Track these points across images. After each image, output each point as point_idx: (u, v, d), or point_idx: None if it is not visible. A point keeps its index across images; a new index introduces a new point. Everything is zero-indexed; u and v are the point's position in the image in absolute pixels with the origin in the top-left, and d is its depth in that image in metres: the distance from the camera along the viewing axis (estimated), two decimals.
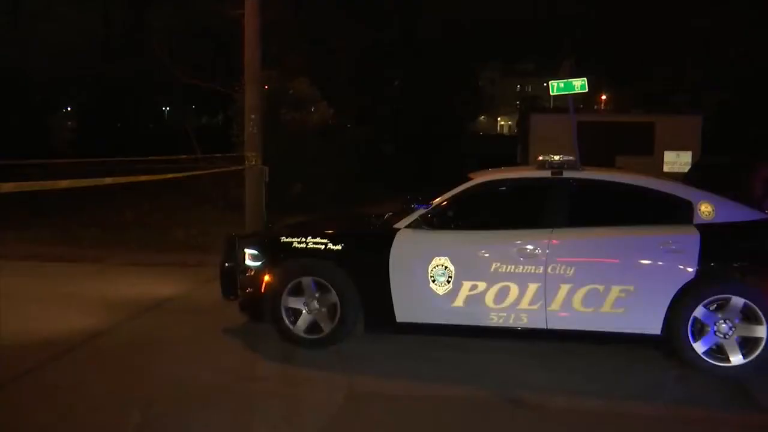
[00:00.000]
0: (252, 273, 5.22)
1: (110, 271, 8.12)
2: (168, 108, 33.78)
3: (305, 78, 13.03)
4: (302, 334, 5.04)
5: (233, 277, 5.36)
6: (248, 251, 5.28)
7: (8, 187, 5.27)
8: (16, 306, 6.36)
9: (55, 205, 12.06)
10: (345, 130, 15.08)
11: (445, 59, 23.89)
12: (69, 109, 32.13)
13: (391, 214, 5.56)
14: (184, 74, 15.32)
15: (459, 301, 4.81)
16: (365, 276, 4.94)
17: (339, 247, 4.98)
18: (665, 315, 4.57)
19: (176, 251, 9.04)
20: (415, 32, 22.34)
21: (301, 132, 12.20)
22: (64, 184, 6.22)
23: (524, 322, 4.77)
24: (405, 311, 4.91)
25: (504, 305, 4.75)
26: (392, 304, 4.88)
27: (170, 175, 8.90)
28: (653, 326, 4.62)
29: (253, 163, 9.04)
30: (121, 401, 4.18)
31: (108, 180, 6.62)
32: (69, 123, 29.72)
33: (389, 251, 4.86)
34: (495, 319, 4.79)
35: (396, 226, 5.01)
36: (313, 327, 5.04)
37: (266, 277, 5.09)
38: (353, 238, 5.17)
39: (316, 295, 5.01)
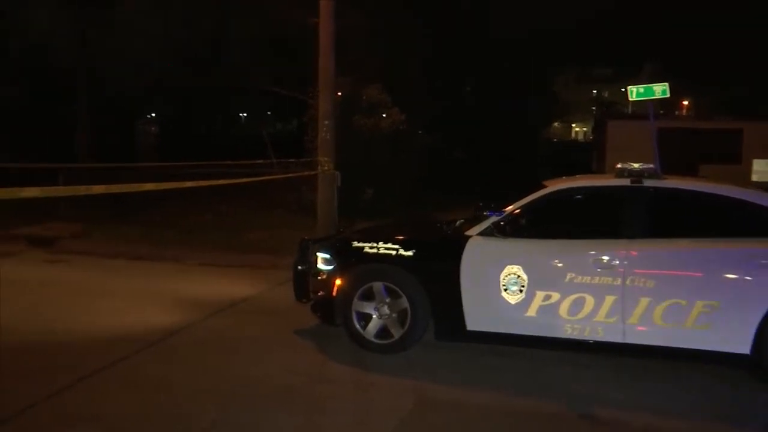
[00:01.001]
0: (324, 276, 5.31)
1: (189, 271, 8.45)
2: (245, 114, 34.89)
3: (378, 84, 13.14)
4: (372, 339, 5.07)
5: (305, 280, 5.48)
6: (320, 255, 5.38)
7: (99, 189, 5.60)
8: (102, 301, 6.76)
9: (140, 206, 12.67)
10: (416, 136, 15.11)
11: (519, 64, 23.52)
12: (153, 115, 33.75)
13: (462, 221, 5.53)
14: (261, 82, 15.78)
15: (532, 311, 4.71)
16: (436, 283, 4.92)
17: (410, 253, 4.98)
18: (755, 334, 4.31)
19: (251, 253, 9.31)
20: (488, 37, 22.10)
21: (373, 138, 12.30)
22: (149, 186, 6.54)
23: (600, 335, 4.61)
24: (476, 320, 4.85)
25: (579, 317, 4.62)
26: (463, 312, 4.84)
27: (246, 180, 9.18)
28: (741, 345, 4.36)
29: (326, 168, 9.19)
30: (198, 396, 4.33)
31: (188, 183, 6.90)
32: (153, 128, 31.19)
33: (461, 258, 4.82)
34: (569, 331, 4.66)
35: (468, 233, 4.97)
36: (383, 332, 5.06)
37: (338, 281, 5.16)
38: (424, 245, 5.17)
39: (387, 300, 5.03)
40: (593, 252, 4.63)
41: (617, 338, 4.58)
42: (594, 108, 50.90)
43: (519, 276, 4.71)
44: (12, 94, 18.14)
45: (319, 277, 5.36)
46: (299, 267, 5.53)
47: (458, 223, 5.52)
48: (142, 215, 12.12)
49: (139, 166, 14.07)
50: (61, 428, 3.86)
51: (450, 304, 4.85)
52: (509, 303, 4.74)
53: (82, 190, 5.54)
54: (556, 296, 4.65)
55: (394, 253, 5.01)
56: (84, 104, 18.18)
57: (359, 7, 13.33)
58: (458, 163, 21.41)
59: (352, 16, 12.29)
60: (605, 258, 4.57)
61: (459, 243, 4.90)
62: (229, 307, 6.62)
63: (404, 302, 4.97)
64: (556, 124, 47.92)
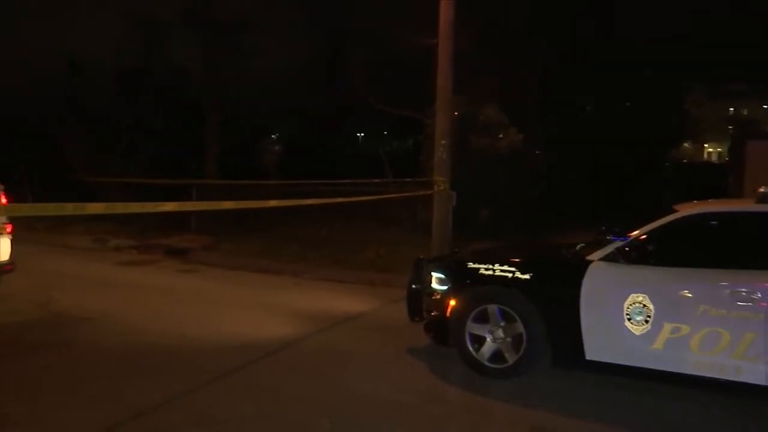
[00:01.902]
0: (438, 296, 5.29)
1: (305, 285, 8.76)
2: (362, 134, 35.83)
3: (495, 104, 13.02)
4: (485, 362, 4.98)
5: (419, 299, 5.49)
6: (435, 275, 5.37)
7: (228, 204, 5.98)
8: (224, 311, 7.17)
9: (263, 221, 13.33)
10: (533, 156, 14.77)
11: (645, 78, 22.34)
12: (275, 136, 35.48)
13: (583, 244, 5.31)
14: (377, 102, 16.15)
15: (658, 344, 4.41)
16: (554, 308, 4.75)
17: (527, 276, 4.85)
18: None
19: (365, 270, 9.48)
20: (611, 51, 21.21)
21: (489, 158, 12.18)
22: (272, 203, 6.87)
23: (738, 374, 4.22)
24: (596, 349, 4.62)
25: (712, 353, 4.26)
26: (582, 341, 4.63)
27: (363, 198, 9.40)
28: None
29: (442, 187, 9.21)
30: (311, 407, 4.45)
31: (308, 201, 7.20)
32: (276, 148, 32.76)
33: (581, 284, 4.62)
34: (700, 368, 4.31)
35: (589, 257, 4.76)
36: (497, 356, 4.95)
37: (452, 302, 5.12)
38: (543, 268, 5.01)
39: (502, 324, 4.93)
40: (730, 283, 4.26)
41: (759, 380, 4.17)
42: (731, 127, 47.22)
43: (645, 305, 4.43)
44: (153, 117, 19.81)
45: (433, 297, 5.35)
46: (413, 286, 5.55)
47: (578, 246, 5.31)
48: (264, 230, 12.74)
49: (262, 183, 14.83)
50: (188, 428, 4.11)
51: (568, 331, 4.66)
52: (633, 334, 4.47)
53: (213, 205, 5.96)
54: (686, 329, 4.33)
55: (510, 275, 4.91)
56: (213, 125, 19.51)
57: (476, 26, 13.32)
58: (576, 183, 20.62)
59: (469, 36, 12.30)
60: (744, 290, 4.19)
61: (580, 268, 4.71)
62: (343, 322, 6.78)
63: (519, 327, 4.84)
64: (686, 144, 44.97)
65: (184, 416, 4.26)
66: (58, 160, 16.56)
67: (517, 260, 5.03)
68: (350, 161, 26.67)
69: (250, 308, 7.27)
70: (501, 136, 12.81)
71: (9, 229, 7.55)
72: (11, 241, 7.57)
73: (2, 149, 14.51)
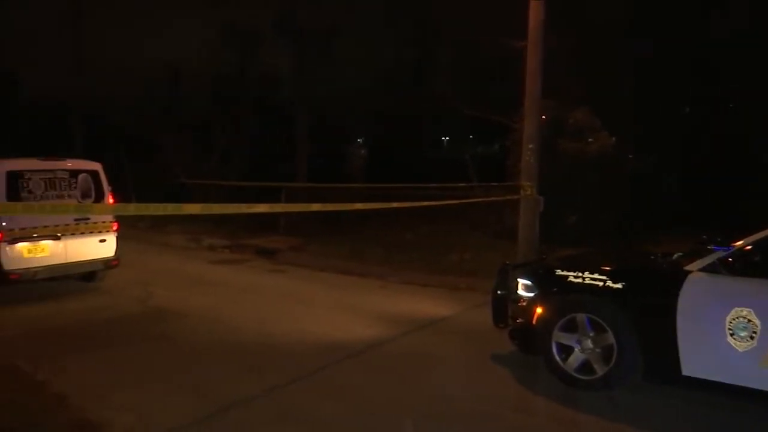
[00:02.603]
0: (524, 303, 5.18)
1: (390, 288, 8.81)
2: (447, 138, 35.71)
3: (585, 107, 12.60)
4: (573, 373, 4.81)
5: (504, 306, 5.39)
6: (521, 281, 5.26)
7: (316, 207, 6.12)
8: (310, 311, 7.34)
9: (348, 224, 13.56)
10: (625, 160, 14.16)
11: (752, 77, 20.86)
12: (361, 140, 36.03)
13: (680, 254, 5.03)
14: (464, 105, 16.03)
15: (765, 363, 4.10)
16: (648, 320, 4.53)
17: (619, 285, 4.65)
18: None
19: (449, 274, 9.44)
20: (712, 43, 19.97)
21: (579, 162, 11.79)
22: (359, 206, 6.97)
23: None
24: (693, 365, 4.36)
25: None
26: (678, 355, 4.37)
27: (449, 202, 9.35)
28: None
29: (529, 192, 9.03)
30: (394, 410, 4.47)
31: (394, 204, 7.23)
32: (362, 152, 33.25)
33: (678, 295, 4.37)
34: None
35: (688, 268, 4.50)
36: (585, 367, 4.77)
37: (538, 309, 5.00)
38: (637, 277, 4.79)
39: (591, 334, 4.75)
40: None
41: None
42: None
43: (749, 320, 4.14)
44: (247, 122, 20.64)
45: (518, 304, 5.24)
46: (498, 292, 5.46)
47: (675, 256, 5.03)
48: (350, 232, 12.96)
49: (348, 186, 15.10)
50: (272, 424, 4.23)
51: (663, 345, 4.42)
52: (736, 350, 4.18)
53: (301, 207, 6.13)
54: None
55: (601, 284, 4.72)
56: (302, 130, 20.06)
57: (568, 26, 12.95)
58: (673, 189, 19.57)
59: (559, 39, 11.98)
60: None
61: (677, 278, 4.45)
62: (427, 326, 6.77)
63: (610, 337, 4.64)
64: None
65: (271, 412, 4.39)
66: (159, 163, 17.57)
67: (608, 268, 4.83)
68: (435, 165, 26.63)
69: (336, 309, 7.40)
70: (591, 140, 12.37)
71: (115, 227, 8.11)
72: (117, 238, 8.13)
73: (109, 153, 15.52)
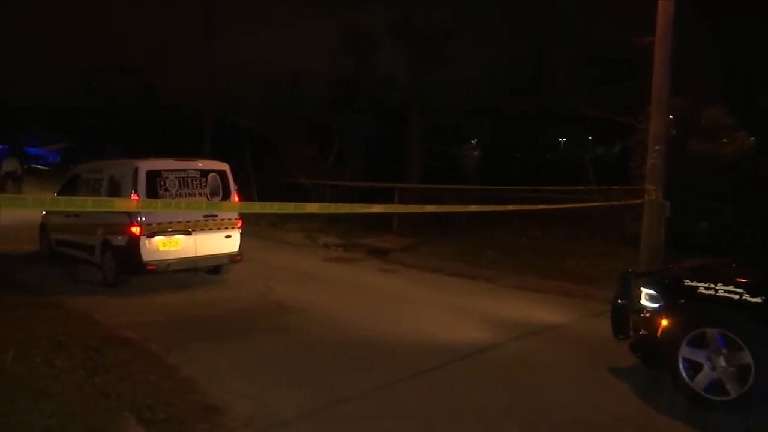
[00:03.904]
0: (647, 314, 4.88)
1: (500, 292, 8.65)
2: (564, 139, 34.58)
3: (720, 105, 11.67)
4: (701, 392, 4.47)
5: (625, 316, 5.12)
6: (645, 290, 4.96)
7: (430, 208, 6.14)
8: (420, 311, 7.37)
9: (459, 226, 13.48)
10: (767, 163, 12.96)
11: None
12: (474, 141, 35.72)
13: None
14: (583, 106, 15.43)
15: None
16: None
17: (759, 299, 4.26)
18: None
19: (564, 280, 9.10)
20: None
21: (712, 165, 10.95)
22: (473, 208, 6.91)
23: None
24: None
25: None
26: None
27: (566, 205, 9.04)
28: None
29: (654, 196, 8.51)
30: (502, 415, 4.39)
31: (510, 207, 7.10)
32: (476, 153, 32.97)
33: None
34: None
35: None
36: (716, 386, 4.42)
37: (663, 321, 4.69)
38: None
39: (723, 351, 4.39)
40: None
41: None
42: None
43: None
44: (362, 124, 21.14)
45: (641, 315, 4.95)
46: (619, 301, 5.19)
47: None
48: (461, 234, 12.87)
49: (460, 188, 15.00)
50: (378, 419, 4.28)
51: None
52: None
53: (416, 208, 6.17)
54: None
55: (736, 297, 4.35)
56: (416, 132, 20.21)
57: (700, 19, 12.09)
58: None
59: (691, 33, 11.20)
60: None
61: None
62: (539, 332, 6.57)
63: (746, 356, 4.26)
64: None
65: (380, 409, 4.45)
66: (279, 163, 18.38)
67: (745, 280, 4.44)
68: (551, 167, 25.90)
69: (447, 310, 7.38)
70: (725, 140, 11.44)
71: (239, 224, 8.58)
72: (240, 234, 8.60)
73: (235, 153, 16.43)
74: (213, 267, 8.72)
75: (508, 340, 6.23)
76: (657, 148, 8.63)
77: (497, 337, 6.29)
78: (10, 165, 19.72)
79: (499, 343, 6.12)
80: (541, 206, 7.95)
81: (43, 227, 10.19)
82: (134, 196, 7.65)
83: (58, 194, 9.39)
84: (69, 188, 9.32)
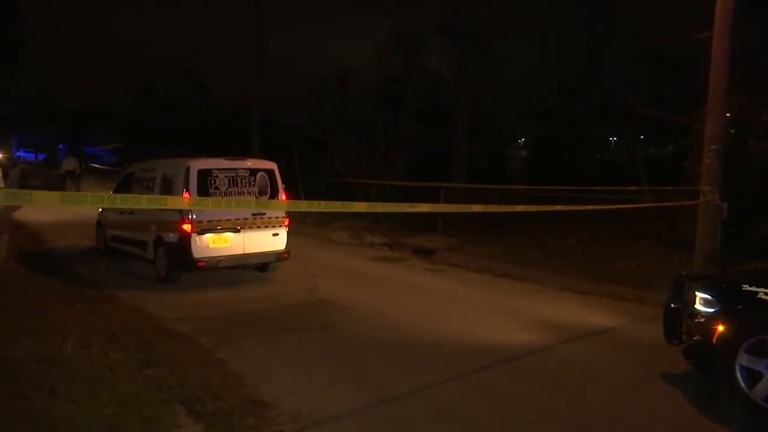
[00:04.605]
0: (702, 319, 4.73)
1: (547, 293, 8.52)
2: (614, 138, 33.79)
3: None
4: (760, 402, 4.30)
5: (679, 321, 4.97)
6: (700, 295, 4.81)
7: (477, 208, 6.09)
8: (466, 311, 7.32)
9: (506, 226, 13.33)
10: None
11: None
12: (521, 141, 35.28)
13: None
14: (635, 105, 15.07)
15: None
16: None
17: None
18: None
19: (613, 283, 8.89)
20: None
21: None
22: (520, 208, 6.82)
23: None
24: None
25: None
26: None
27: (616, 206, 8.83)
28: None
29: (710, 198, 8.22)
30: (551, 419, 4.33)
31: (558, 207, 6.98)
32: (523, 153, 32.57)
33: None
34: None
35: None
36: None
37: (720, 327, 4.54)
38: None
39: None
40: None
41: None
42: None
43: None
44: (407, 124, 21.13)
45: (696, 320, 4.79)
46: (672, 305, 5.04)
47: None
48: (507, 234, 12.73)
49: (506, 188, 14.85)
50: (428, 421, 4.28)
51: None
52: None
53: (462, 208, 6.13)
54: None
55: None
56: (462, 130, 20.07)
57: (758, 14, 11.62)
58: None
59: (751, 25, 10.78)
60: None
61: None
62: (589, 336, 6.44)
63: None
64: None
65: (425, 409, 4.44)
66: (326, 162, 18.55)
67: None
68: (600, 167, 25.35)
69: (493, 311, 7.31)
70: None
71: (286, 222, 8.71)
72: (287, 233, 8.73)
73: (283, 153, 16.63)
74: (260, 264, 8.87)
75: (557, 343, 6.13)
76: (713, 147, 8.33)
77: (545, 340, 6.20)
78: (70, 164, 20.47)
79: (547, 346, 6.03)
80: (589, 207, 7.78)
81: (100, 224, 10.57)
82: (186, 195, 7.85)
83: (113, 192, 9.72)
84: (124, 186, 9.63)
